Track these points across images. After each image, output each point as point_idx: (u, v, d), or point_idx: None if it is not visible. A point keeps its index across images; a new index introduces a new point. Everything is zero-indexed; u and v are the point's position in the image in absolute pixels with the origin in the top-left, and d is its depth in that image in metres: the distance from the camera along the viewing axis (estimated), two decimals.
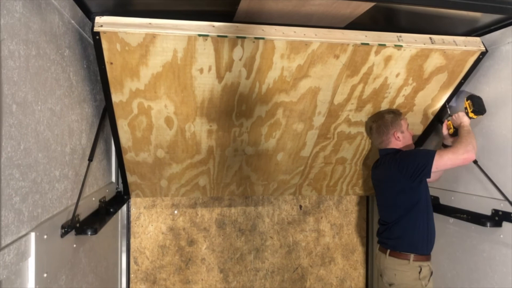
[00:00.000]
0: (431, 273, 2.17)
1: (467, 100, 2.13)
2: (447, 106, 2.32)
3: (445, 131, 2.27)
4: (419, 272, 2.11)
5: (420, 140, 2.65)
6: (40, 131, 1.37)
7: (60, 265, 1.57)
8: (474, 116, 2.10)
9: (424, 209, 2.18)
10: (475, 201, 2.22)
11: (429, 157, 2.02)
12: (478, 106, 2.09)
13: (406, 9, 1.86)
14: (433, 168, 2.01)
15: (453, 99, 2.32)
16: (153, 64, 1.83)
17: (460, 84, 2.24)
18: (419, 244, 2.15)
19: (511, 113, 2.00)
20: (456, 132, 2.17)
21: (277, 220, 3.20)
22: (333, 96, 2.19)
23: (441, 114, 2.41)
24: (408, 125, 2.33)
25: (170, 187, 2.70)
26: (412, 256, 2.12)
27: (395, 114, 2.28)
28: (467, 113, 2.12)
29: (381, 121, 2.27)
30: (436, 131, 2.56)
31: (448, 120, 2.24)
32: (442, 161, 2.00)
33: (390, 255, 2.19)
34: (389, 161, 2.21)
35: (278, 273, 3.21)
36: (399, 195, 2.18)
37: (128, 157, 2.35)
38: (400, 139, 2.26)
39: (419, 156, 2.09)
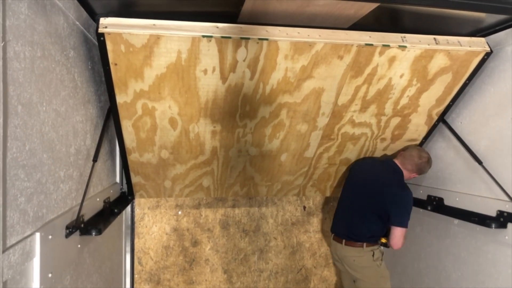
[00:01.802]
0: (382, 253, 2.54)
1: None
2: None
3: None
4: (373, 255, 2.48)
5: (424, 140, 2.64)
6: (45, 132, 1.38)
7: (65, 265, 1.58)
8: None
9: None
10: (479, 202, 2.21)
11: (405, 223, 2.38)
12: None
13: (410, 10, 1.86)
14: (393, 229, 2.40)
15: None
16: (157, 65, 1.83)
17: (465, 84, 2.23)
18: (373, 238, 2.50)
19: None
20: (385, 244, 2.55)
21: (281, 221, 3.20)
22: (337, 97, 2.19)
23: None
24: None
25: (174, 188, 2.71)
26: (364, 244, 2.48)
27: (429, 169, 2.54)
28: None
29: (425, 165, 2.49)
30: (440, 132, 2.56)
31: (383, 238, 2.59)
32: (398, 232, 2.37)
33: (346, 244, 2.53)
34: (394, 182, 2.46)
35: (282, 274, 3.21)
36: (378, 208, 2.44)
37: (132, 157, 2.35)
38: (408, 176, 2.55)
39: (405, 217, 2.39)
